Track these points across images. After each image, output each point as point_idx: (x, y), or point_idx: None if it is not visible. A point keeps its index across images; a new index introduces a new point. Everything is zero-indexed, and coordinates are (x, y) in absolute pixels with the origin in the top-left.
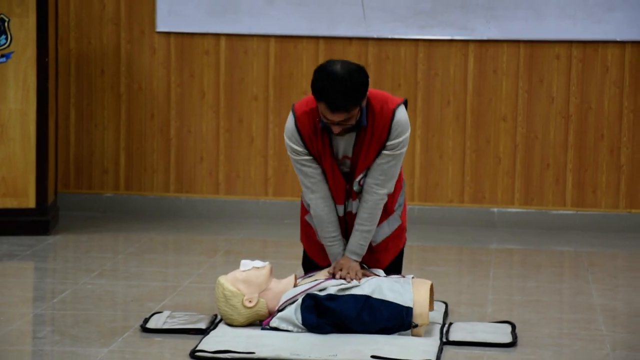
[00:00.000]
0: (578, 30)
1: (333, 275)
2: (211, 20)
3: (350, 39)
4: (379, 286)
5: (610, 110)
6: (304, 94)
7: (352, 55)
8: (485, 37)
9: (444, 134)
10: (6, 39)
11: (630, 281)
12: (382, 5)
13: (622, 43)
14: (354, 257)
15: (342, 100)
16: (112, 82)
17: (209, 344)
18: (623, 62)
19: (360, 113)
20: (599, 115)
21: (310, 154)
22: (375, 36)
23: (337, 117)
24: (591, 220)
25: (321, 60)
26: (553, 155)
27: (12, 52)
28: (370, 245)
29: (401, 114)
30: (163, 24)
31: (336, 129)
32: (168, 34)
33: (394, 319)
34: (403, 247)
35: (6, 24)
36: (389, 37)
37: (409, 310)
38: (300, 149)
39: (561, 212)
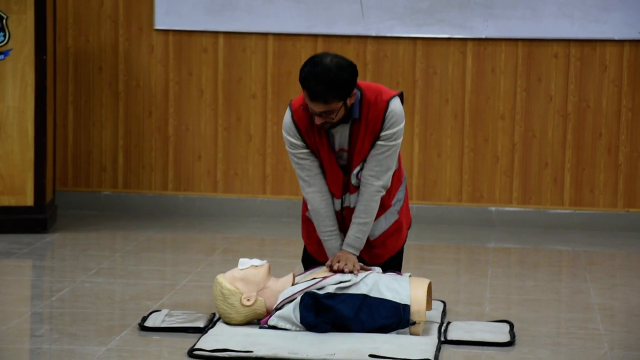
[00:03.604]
0: (576, 29)
1: (330, 267)
2: (209, 18)
3: (348, 37)
4: (376, 283)
5: (609, 109)
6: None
7: (350, 53)
8: (483, 36)
9: (442, 133)
10: (4, 36)
11: (628, 280)
12: (380, 3)
13: (621, 42)
14: (352, 251)
15: (322, 90)
16: (110, 79)
17: (207, 342)
18: (621, 60)
19: (346, 109)
20: (597, 114)
21: (307, 147)
22: (373, 34)
23: (316, 107)
24: (589, 219)
25: None
26: (551, 154)
27: (10, 50)
28: (368, 240)
29: (395, 104)
30: (161, 22)
31: (317, 120)
32: (166, 31)
33: (391, 317)
34: (403, 244)
35: (4, 21)
36: (387, 35)
37: (406, 308)
38: (297, 142)
39: (559, 211)
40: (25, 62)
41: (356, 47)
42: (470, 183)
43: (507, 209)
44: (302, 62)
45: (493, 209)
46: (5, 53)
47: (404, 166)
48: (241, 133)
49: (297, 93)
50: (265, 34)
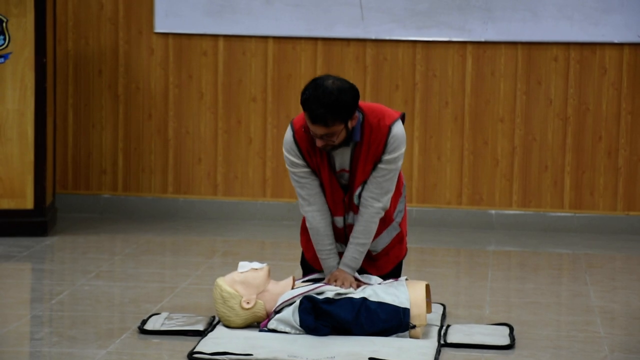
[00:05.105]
0: (576, 32)
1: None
2: (209, 21)
3: (348, 40)
4: (375, 290)
5: (608, 112)
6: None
7: (350, 56)
8: (483, 39)
9: (442, 136)
10: (4, 39)
11: (628, 283)
12: (380, 6)
13: (620, 45)
14: (348, 270)
15: (323, 113)
16: (110, 82)
17: (206, 345)
18: (621, 64)
19: (347, 132)
20: (597, 117)
21: (308, 166)
22: (373, 37)
23: (317, 130)
24: (589, 223)
25: (319, 61)
26: (551, 157)
27: (10, 53)
28: (369, 254)
29: (398, 129)
30: (161, 25)
31: (319, 143)
32: (166, 34)
33: (391, 321)
34: (403, 256)
35: (4, 24)
36: (387, 38)
37: (406, 311)
38: (298, 161)
39: (559, 214)
40: (25, 65)
41: (356, 50)
42: (470, 186)
43: (507, 212)
44: (302, 65)
45: (493, 212)
46: (5, 56)
47: (403, 173)
48: (241, 136)
49: (296, 96)
50: (265, 37)
